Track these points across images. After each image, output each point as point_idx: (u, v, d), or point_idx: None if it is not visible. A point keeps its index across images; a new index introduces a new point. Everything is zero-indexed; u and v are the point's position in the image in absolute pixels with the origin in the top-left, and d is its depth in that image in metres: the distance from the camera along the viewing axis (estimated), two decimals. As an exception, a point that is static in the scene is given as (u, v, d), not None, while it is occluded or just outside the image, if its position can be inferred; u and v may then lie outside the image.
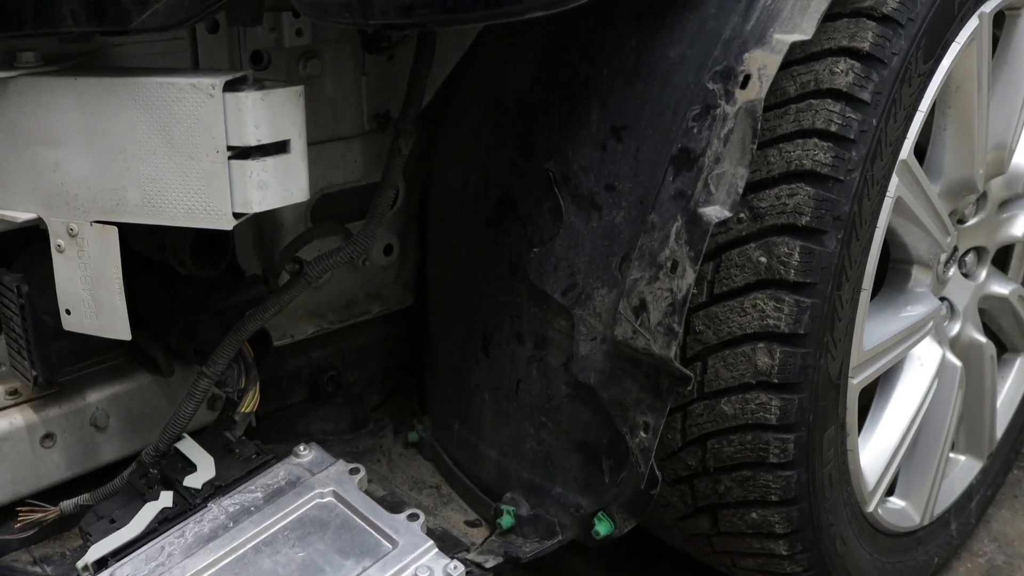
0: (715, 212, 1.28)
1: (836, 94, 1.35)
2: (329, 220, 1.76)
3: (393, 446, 1.92)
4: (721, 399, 1.44)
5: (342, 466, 1.51)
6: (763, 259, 1.37)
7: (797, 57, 1.38)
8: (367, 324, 1.98)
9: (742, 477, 1.49)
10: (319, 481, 1.49)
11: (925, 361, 1.81)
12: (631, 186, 1.39)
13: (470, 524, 1.69)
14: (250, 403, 1.62)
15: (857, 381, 1.57)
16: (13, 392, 1.59)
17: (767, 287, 1.38)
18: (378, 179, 1.60)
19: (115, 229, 1.34)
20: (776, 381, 1.40)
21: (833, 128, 1.34)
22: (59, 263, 1.39)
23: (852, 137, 1.34)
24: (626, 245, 1.39)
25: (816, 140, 1.35)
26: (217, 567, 1.36)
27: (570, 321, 1.47)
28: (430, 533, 1.59)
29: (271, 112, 1.26)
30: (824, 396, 1.46)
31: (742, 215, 1.38)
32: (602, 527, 1.48)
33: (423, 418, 1.89)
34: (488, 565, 1.57)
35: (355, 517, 1.43)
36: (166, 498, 1.48)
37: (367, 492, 1.66)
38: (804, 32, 1.28)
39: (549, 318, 1.51)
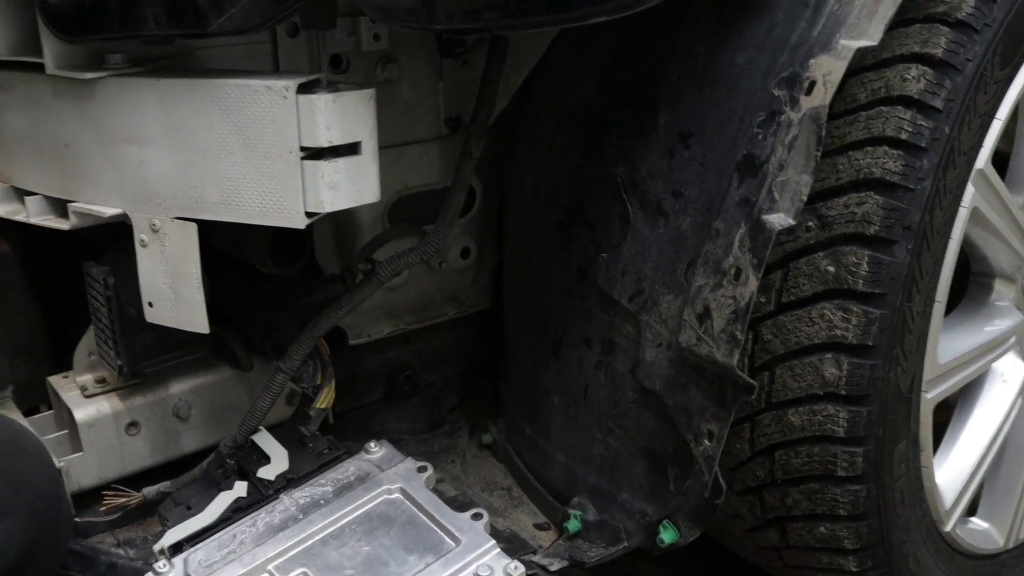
0: (779, 220, 1.27)
1: (907, 101, 1.33)
2: (406, 222, 1.80)
3: (468, 447, 1.95)
4: (789, 410, 1.43)
5: (411, 464, 1.54)
6: (831, 268, 1.36)
7: (868, 63, 1.37)
8: (444, 326, 2.02)
9: (810, 490, 1.47)
10: (387, 478, 1.52)
11: (1008, 377, 1.77)
12: (697, 192, 1.39)
13: (539, 527, 1.70)
14: (325, 399, 1.67)
15: (932, 396, 1.54)
16: (101, 381, 1.68)
17: (835, 297, 1.36)
18: (454, 182, 1.63)
19: (194, 225, 1.40)
20: (844, 393, 1.38)
21: (903, 136, 1.32)
22: (142, 257, 1.45)
23: (923, 145, 1.32)
24: (692, 251, 1.39)
25: (886, 148, 1.33)
26: (285, 557, 1.40)
27: (636, 327, 1.48)
28: (498, 534, 1.62)
29: (343, 114, 1.30)
30: (894, 410, 1.43)
31: (810, 223, 1.37)
32: (667, 535, 1.48)
33: (497, 420, 1.91)
34: (553, 568, 1.59)
35: (420, 514, 1.46)
36: (240, 488, 1.53)
37: (438, 491, 1.69)
38: (871, 38, 1.26)
39: (616, 323, 1.52)
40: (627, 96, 1.50)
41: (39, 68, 1.41)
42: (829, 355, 1.38)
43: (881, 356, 1.37)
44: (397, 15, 1.19)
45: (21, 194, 1.57)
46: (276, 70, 1.57)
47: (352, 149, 1.33)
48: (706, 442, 1.39)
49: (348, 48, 1.64)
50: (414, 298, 1.97)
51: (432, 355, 2.02)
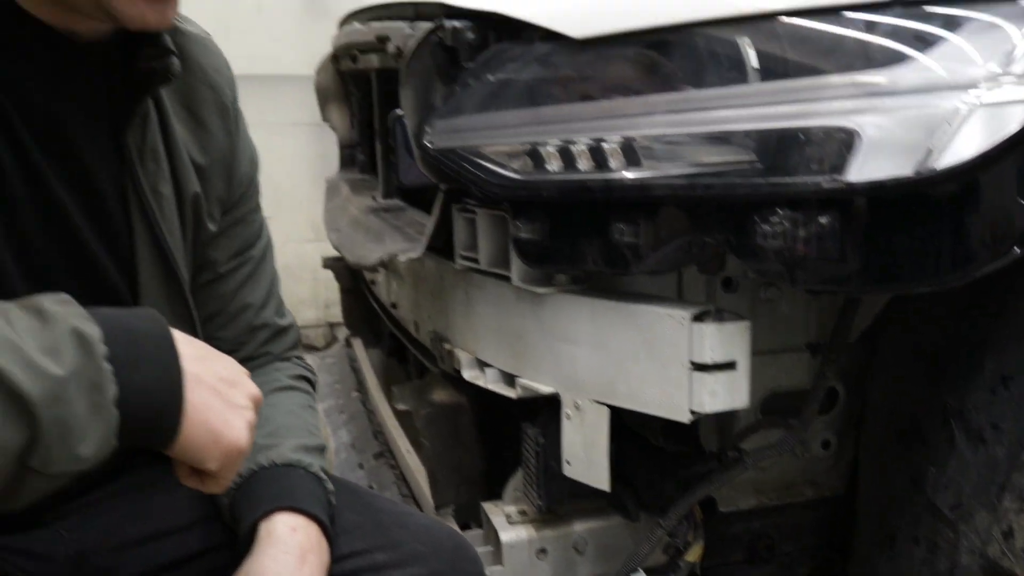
0: (1072, 458, 1.52)
1: None
2: (775, 415, 2.15)
3: (812, 613, 2.23)
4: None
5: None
6: None
7: None
8: (803, 505, 2.28)
9: None
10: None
11: None
12: (1012, 427, 1.64)
13: None
14: (693, 554, 2.03)
15: None
16: (522, 512, 2.12)
17: None
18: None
19: (607, 409, 1.81)
20: None
21: None
22: (566, 427, 1.89)
23: None
24: (1003, 476, 1.64)
25: None
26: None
27: (956, 534, 1.73)
28: None
29: (724, 340, 1.68)
30: None
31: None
32: None
33: (842, 593, 2.19)
34: None
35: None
36: (617, 613, 1.94)
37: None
38: None
39: (939, 528, 1.78)
40: (962, 340, 1.78)
41: (506, 278, 1.91)
42: None
43: None
44: (770, 276, 1.58)
45: (481, 364, 2.09)
46: (679, 292, 1.97)
47: (730, 366, 1.69)
48: (1007, 644, 1.61)
49: (739, 273, 2.01)
50: (778, 478, 2.28)
51: (790, 529, 2.30)
